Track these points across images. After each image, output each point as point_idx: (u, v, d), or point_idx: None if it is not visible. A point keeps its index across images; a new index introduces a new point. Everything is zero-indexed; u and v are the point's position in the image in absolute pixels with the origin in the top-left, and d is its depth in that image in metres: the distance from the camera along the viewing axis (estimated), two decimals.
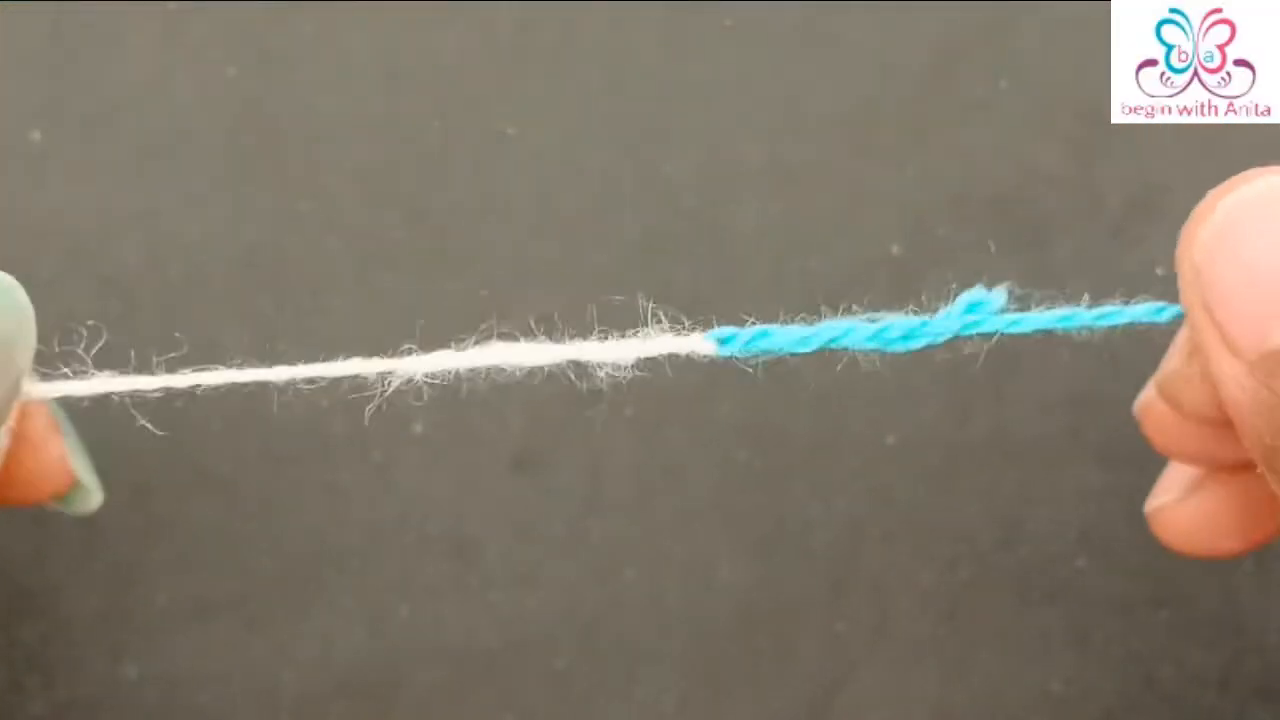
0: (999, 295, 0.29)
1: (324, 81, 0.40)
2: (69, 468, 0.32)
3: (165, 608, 0.40)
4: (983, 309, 0.29)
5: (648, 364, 0.30)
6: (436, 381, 0.29)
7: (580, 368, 0.29)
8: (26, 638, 0.40)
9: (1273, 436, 0.26)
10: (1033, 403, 0.40)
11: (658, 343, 0.29)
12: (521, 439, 0.40)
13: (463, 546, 0.40)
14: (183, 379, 0.30)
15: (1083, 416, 0.40)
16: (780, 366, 0.40)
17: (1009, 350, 0.40)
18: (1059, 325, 0.29)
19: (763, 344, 0.30)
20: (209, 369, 0.30)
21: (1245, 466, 0.31)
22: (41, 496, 0.33)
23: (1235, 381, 0.26)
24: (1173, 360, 0.31)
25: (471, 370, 0.29)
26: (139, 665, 0.39)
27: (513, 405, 0.40)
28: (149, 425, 0.30)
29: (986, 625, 0.41)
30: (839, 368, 0.31)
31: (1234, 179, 0.27)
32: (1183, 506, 0.33)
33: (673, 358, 0.29)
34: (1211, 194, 0.27)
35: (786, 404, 0.40)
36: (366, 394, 0.29)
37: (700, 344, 0.29)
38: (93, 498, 0.34)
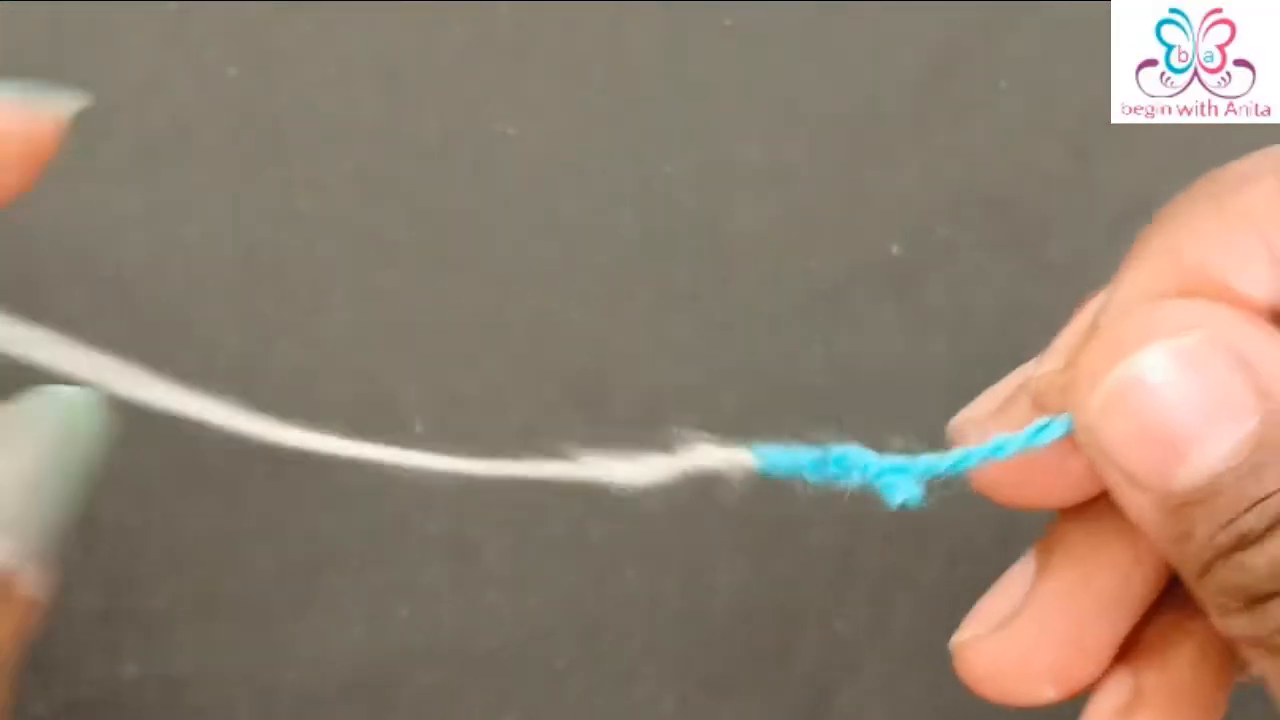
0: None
1: (324, 81, 0.40)
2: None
3: (165, 608, 0.39)
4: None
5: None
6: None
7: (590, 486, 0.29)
8: None
9: (1180, 561, 0.27)
10: None
11: (697, 455, 0.28)
12: (521, 439, 0.40)
13: (463, 546, 0.40)
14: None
15: None
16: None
17: (1010, 350, 0.40)
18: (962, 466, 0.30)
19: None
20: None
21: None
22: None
23: (1141, 511, 0.27)
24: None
25: (472, 475, 0.28)
26: (139, 665, 0.39)
27: (512, 404, 0.40)
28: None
29: None
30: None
31: (1118, 345, 0.27)
32: (992, 640, 0.30)
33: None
34: (1098, 362, 0.27)
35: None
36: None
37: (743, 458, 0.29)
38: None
